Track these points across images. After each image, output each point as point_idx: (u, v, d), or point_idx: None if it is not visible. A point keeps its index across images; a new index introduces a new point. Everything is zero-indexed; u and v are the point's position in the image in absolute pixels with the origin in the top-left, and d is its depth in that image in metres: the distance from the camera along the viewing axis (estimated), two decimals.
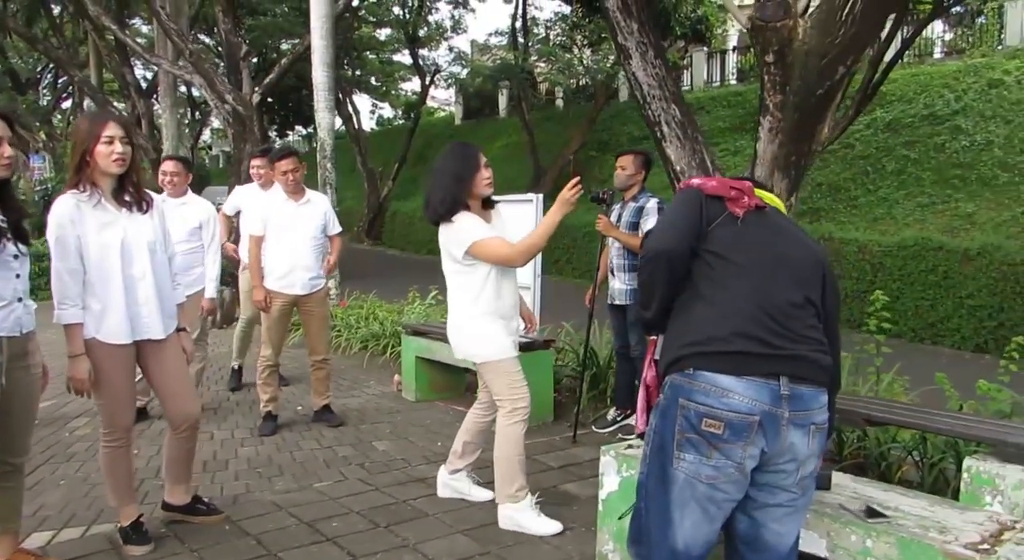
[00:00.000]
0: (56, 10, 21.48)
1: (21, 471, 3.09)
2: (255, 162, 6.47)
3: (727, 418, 2.08)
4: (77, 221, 3.07)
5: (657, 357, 2.42)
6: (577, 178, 3.42)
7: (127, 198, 3.22)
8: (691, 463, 2.13)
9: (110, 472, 3.36)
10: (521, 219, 6.36)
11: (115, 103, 22.69)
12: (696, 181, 2.42)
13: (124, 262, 3.17)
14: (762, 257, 2.24)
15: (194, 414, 3.51)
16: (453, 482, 4.01)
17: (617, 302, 5.07)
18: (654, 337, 2.51)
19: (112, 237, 3.14)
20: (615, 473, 3.09)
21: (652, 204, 4.91)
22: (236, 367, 6.59)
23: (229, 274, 11.04)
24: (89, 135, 3.09)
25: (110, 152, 3.09)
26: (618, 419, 5.21)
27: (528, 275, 6.52)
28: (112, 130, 3.10)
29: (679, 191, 2.46)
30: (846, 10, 4.31)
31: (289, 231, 5.05)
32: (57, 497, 4.03)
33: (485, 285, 3.59)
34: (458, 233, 3.52)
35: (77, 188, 3.12)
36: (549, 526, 3.57)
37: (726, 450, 2.10)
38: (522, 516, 3.59)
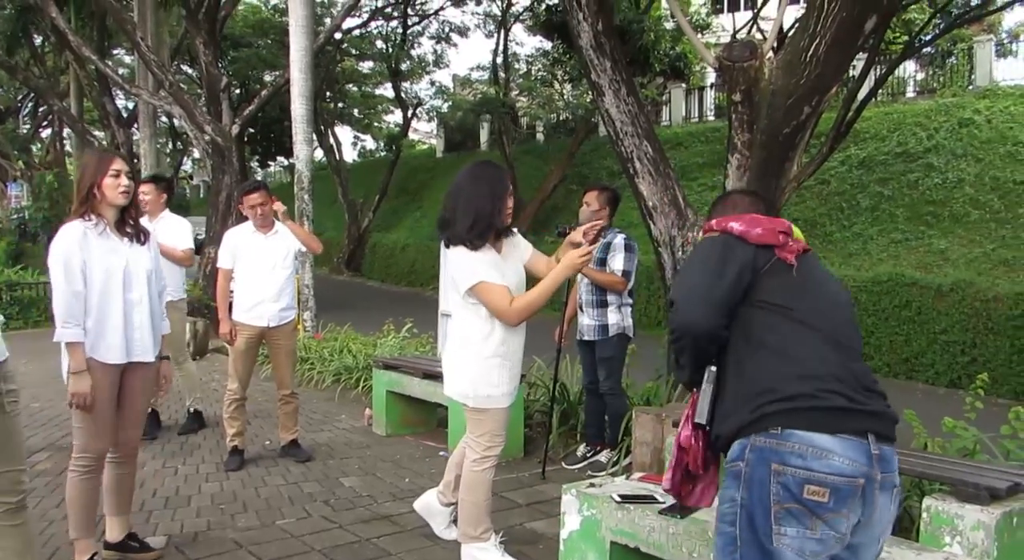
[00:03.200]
0: (37, 40, 21.49)
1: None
2: (142, 188, 5.60)
3: (833, 483, 1.83)
4: (84, 247, 3.24)
5: (701, 419, 2.10)
6: (592, 248, 3.32)
7: (128, 229, 3.43)
8: (794, 538, 1.85)
9: (77, 500, 3.34)
10: None
11: (94, 132, 22.63)
12: (736, 225, 2.12)
13: (125, 287, 3.35)
14: (823, 305, 2.06)
15: (136, 438, 3.61)
16: (436, 509, 3.89)
17: (586, 338, 5.06)
18: (695, 391, 2.18)
19: (116, 263, 3.33)
20: (576, 512, 3.07)
21: (619, 240, 4.92)
22: (191, 410, 6.18)
23: (205, 305, 10.97)
24: (98, 169, 3.31)
25: (117, 185, 3.32)
26: (588, 455, 5.18)
27: None
28: (119, 165, 3.35)
29: (709, 237, 2.17)
30: (810, 52, 4.40)
31: (257, 263, 5.03)
32: (31, 533, 3.93)
33: (495, 325, 3.37)
34: (468, 265, 3.30)
35: (83, 218, 3.30)
36: None
37: (831, 520, 1.84)
38: (486, 556, 3.54)
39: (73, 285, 3.20)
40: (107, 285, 3.29)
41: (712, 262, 2.07)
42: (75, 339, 3.21)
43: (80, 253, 3.22)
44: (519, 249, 3.59)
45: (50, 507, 4.29)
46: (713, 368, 2.08)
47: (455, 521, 3.79)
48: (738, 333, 2.03)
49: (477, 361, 3.40)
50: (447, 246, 3.42)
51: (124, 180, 3.32)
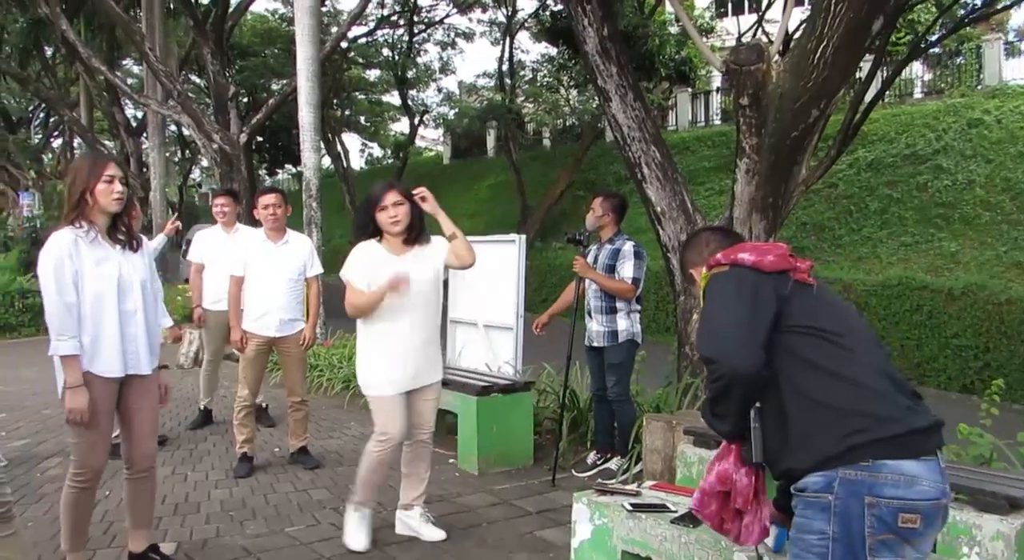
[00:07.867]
0: (48, 52, 21.63)
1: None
2: (219, 200, 6.35)
3: (923, 509, 1.86)
4: (75, 255, 3.12)
5: (759, 459, 2.06)
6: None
7: (120, 237, 3.30)
8: None
9: (71, 514, 3.27)
10: (502, 261, 6.35)
11: (104, 142, 22.76)
12: (747, 256, 2.07)
13: (120, 297, 3.22)
14: (849, 319, 2.05)
15: (153, 453, 3.50)
16: (406, 519, 4.01)
17: (595, 344, 5.03)
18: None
19: (109, 272, 3.20)
20: (588, 520, 3.04)
21: (628, 247, 4.90)
22: (203, 407, 6.49)
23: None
24: (91, 174, 3.18)
25: (111, 191, 3.19)
26: (598, 463, 5.14)
27: (510, 315, 6.50)
28: (113, 170, 3.22)
29: (721, 274, 2.09)
30: (817, 54, 4.38)
31: (266, 272, 5.02)
32: (25, 540, 3.93)
33: (374, 319, 3.73)
34: (347, 262, 3.79)
35: (74, 224, 3.18)
36: (358, 541, 3.77)
37: (919, 544, 1.91)
38: (347, 520, 3.86)
39: (65, 296, 3.08)
40: (101, 295, 3.17)
41: (740, 299, 2.00)
42: (70, 352, 3.08)
43: (71, 262, 3.10)
44: (434, 251, 3.86)
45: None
46: (757, 404, 2.03)
47: (432, 521, 4.01)
48: (786, 363, 1.97)
49: (361, 351, 3.83)
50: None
51: (118, 186, 3.21)
